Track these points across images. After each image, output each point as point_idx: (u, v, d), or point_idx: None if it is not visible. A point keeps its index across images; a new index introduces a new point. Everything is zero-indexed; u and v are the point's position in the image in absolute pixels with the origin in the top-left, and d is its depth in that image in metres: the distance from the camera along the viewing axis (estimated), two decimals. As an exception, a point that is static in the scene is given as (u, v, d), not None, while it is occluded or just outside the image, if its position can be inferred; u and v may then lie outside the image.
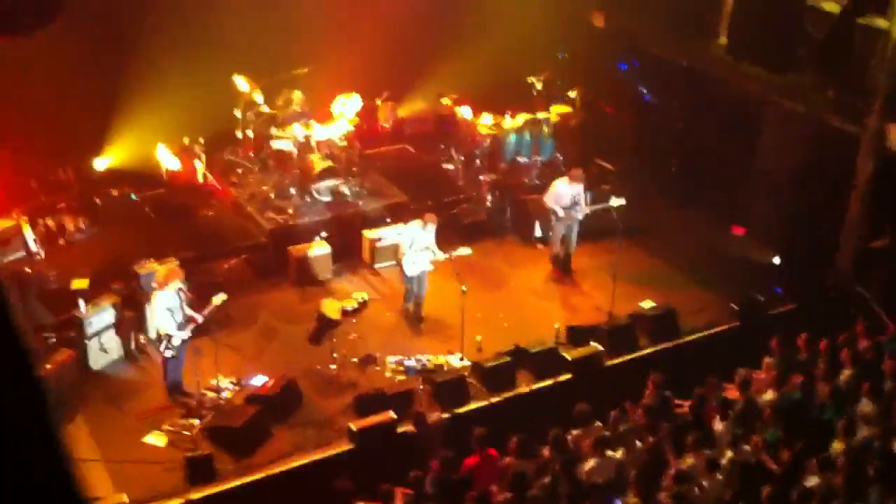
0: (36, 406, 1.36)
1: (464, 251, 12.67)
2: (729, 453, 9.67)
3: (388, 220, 14.78)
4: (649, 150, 17.31)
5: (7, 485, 1.28)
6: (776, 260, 14.88)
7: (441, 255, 12.64)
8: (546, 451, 10.01)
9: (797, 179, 14.94)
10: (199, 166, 15.43)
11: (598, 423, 10.45)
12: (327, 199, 14.85)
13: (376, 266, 14.38)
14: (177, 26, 15.00)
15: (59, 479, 1.36)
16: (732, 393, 10.95)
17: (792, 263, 14.54)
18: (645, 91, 17.79)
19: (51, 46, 13.03)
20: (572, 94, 17.48)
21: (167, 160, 15.23)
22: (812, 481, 9.18)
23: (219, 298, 11.19)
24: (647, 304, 13.41)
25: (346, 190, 14.95)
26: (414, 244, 12.63)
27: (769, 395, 10.82)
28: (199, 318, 11.08)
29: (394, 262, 14.41)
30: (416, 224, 12.85)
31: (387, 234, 14.40)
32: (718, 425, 10.34)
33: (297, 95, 15.53)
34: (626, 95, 18.00)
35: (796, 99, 14.54)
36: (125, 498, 9.54)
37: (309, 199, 14.83)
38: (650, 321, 13.01)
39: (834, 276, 14.19)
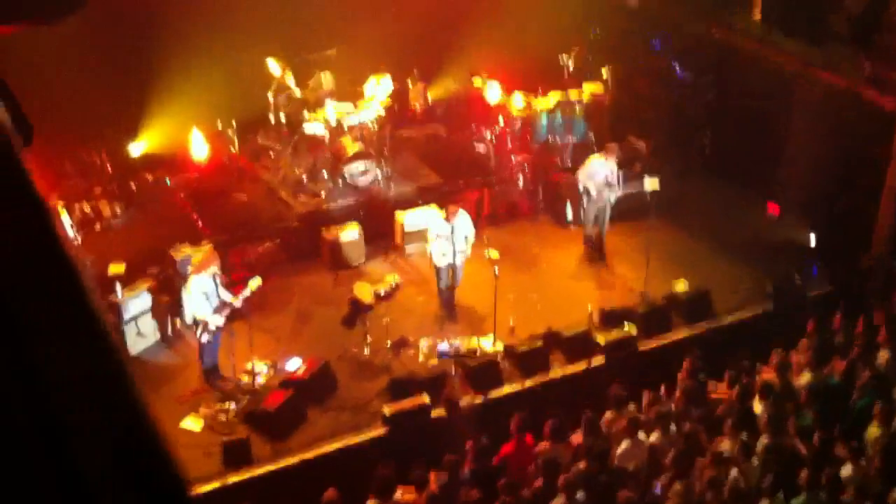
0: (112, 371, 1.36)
1: (492, 254, 12.27)
2: (764, 438, 9.61)
3: (421, 202, 14.78)
4: (683, 127, 17.12)
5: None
6: (812, 239, 14.69)
7: (468, 250, 12.55)
8: (579, 436, 10.02)
9: (833, 155, 14.73)
10: (233, 150, 15.50)
11: (632, 406, 10.44)
12: (360, 181, 14.86)
13: (408, 248, 14.40)
14: (209, 10, 15.04)
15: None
16: (768, 375, 10.87)
17: (828, 242, 14.36)
18: (678, 67, 17.58)
19: (85, 31, 13.09)
20: (605, 72, 17.30)
21: (201, 145, 15.31)
22: (847, 469, 9.11)
23: (254, 283, 11.27)
24: (681, 285, 13.29)
25: (377, 173, 14.94)
26: (441, 237, 12.45)
27: (805, 378, 10.73)
28: (237, 303, 11.14)
29: (425, 245, 14.43)
30: (440, 216, 12.71)
31: (417, 218, 14.40)
32: (756, 408, 10.28)
33: (328, 77, 15.51)
34: (659, 73, 17.80)
35: (832, 72, 14.31)
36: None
37: (341, 183, 14.85)
38: (684, 303, 12.94)
39: (871, 255, 14.00)
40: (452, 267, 12.62)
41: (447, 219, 12.43)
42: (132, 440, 1.32)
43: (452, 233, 12.36)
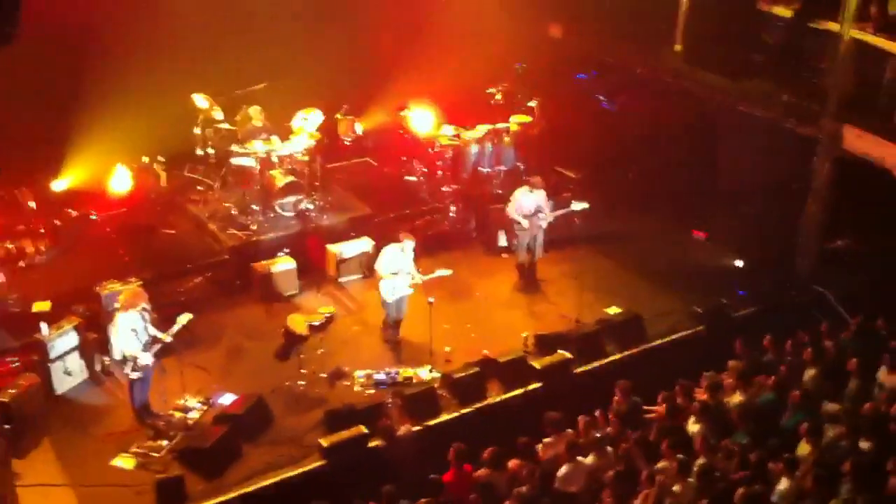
0: None
1: (443, 272, 12.56)
2: (700, 459, 9.73)
3: (353, 233, 14.76)
4: (609, 157, 17.44)
5: None
6: (739, 263, 15.06)
7: (420, 279, 12.49)
8: (515, 462, 10.03)
9: (756, 183, 15.16)
10: (159, 184, 15.31)
11: (570, 431, 10.50)
12: (290, 214, 14.79)
13: (341, 280, 14.35)
14: (134, 46, 14.93)
15: None
16: (700, 396, 11.03)
17: (754, 266, 14.72)
18: (603, 99, 17.94)
19: (5, 69, 12.85)
20: (532, 103, 17.57)
21: (126, 180, 15.08)
22: (783, 484, 9.26)
23: (184, 318, 11.09)
24: (613, 311, 13.49)
25: (308, 205, 14.89)
26: (394, 268, 12.39)
27: (737, 398, 10.92)
28: (167, 338, 10.96)
29: (359, 276, 14.41)
30: (392, 247, 12.53)
31: (350, 248, 14.39)
32: (692, 428, 10.42)
33: (256, 111, 15.46)
34: (585, 104, 18.14)
35: (753, 104, 14.75)
36: (95, 523, 9.40)
37: (272, 215, 14.76)
38: (617, 327, 13.10)
39: (795, 277, 14.40)
40: (401, 300, 12.59)
41: (402, 248, 12.38)
42: None
43: (406, 264, 12.39)
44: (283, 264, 13.91)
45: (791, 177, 14.60)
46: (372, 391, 11.90)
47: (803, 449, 9.91)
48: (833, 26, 13.60)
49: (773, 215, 14.83)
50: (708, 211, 16.14)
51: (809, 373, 11.35)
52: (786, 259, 14.56)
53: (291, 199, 14.76)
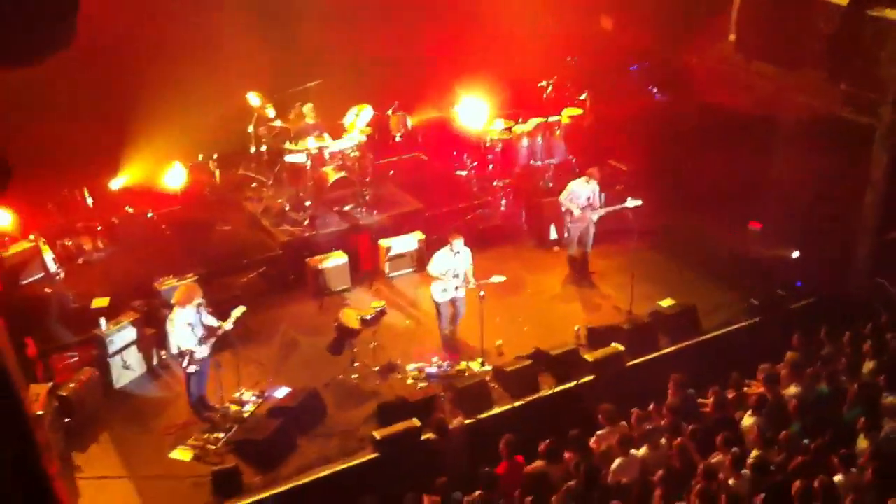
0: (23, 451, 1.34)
1: (497, 279, 12.36)
2: (755, 451, 9.61)
3: (404, 228, 14.82)
4: (661, 150, 17.27)
5: None
6: (795, 254, 14.82)
7: (474, 284, 12.18)
8: (568, 455, 10.00)
9: (812, 174, 14.89)
10: (215, 182, 15.52)
11: (623, 423, 10.44)
12: (343, 209, 14.92)
13: (391, 275, 14.43)
14: (189, 46, 15.12)
15: None
16: (756, 389, 10.90)
17: (811, 257, 14.47)
18: (655, 91, 17.77)
19: (65, 70, 13.11)
20: (583, 96, 17.47)
21: (182, 178, 15.31)
22: (839, 478, 9.11)
23: (239, 311, 11.23)
24: (667, 303, 13.36)
25: (360, 201, 15.00)
26: (443, 269, 12.17)
27: (793, 390, 10.76)
28: (226, 326, 11.05)
29: (410, 270, 14.48)
30: (443, 250, 12.27)
31: (400, 243, 14.45)
32: (747, 421, 10.29)
33: (309, 108, 15.59)
34: (637, 96, 17.99)
35: (808, 94, 14.50)
36: (153, 513, 9.58)
37: (324, 211, 14.88)
38: (670, 320, 12.98)
39: (853, 268, 14.13)
40: (454, 300, 12.45)
41: (452, 249, 12.15)
42: None
43: (461, 265, 12.21)
44: (336, 259, 14.02)
45: (848, 167, 14.32)
46: (424, 384, 11.95)
47: (861, 444, 9.75)
48: (891, 13, 13.29)
49: (830, 206, 14.56)
50: (763, 202, 15.90)
51: (868, 366, 11.15)
52: (843, 250, 14.28)
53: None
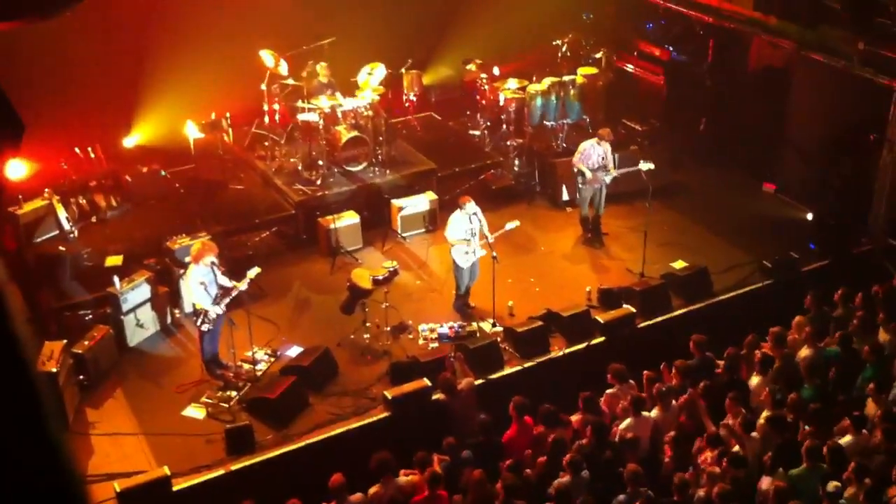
0: (31, 411, 1.33)
1: (511, 225, 12.33)
2: (765, 412, 9.63)
3: (416, 187, 14.80)
4: (677, 109, 17.14)
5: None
6: (809, 216, 14.74)
7: (491, 237, 12.05)
8: (577, 416, 10.05)
9: (828, 134, 14.76)
10: (227, 140, 15.49)
11: (632, 382, 10.47)
12: (355, 168, 14.87)
13: (404, 235, 14.43)
14: (201, 4, 15.01)
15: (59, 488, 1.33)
16: (767, 350, 10.88)
17: (825, 219, 14.39)
18: (672, 50, 17.59)
19: (77, 26, 13.08)
20: (598, 55, 17.30)
21: (195, 136, 15.29)
22: (846, 440, 9.13)
23: (253, 272, 11.25)
24: (679, 264, 13.32)
25: (373, 161, 14.97)
26: (463, 234, 12.04)
27: (805, 352, 10.75)
28: (241, 286, 11.06)
29: (422, 231, 14.47)
30: (457, 214, 12.15)
31: (413, 203, 14.43)
32: (754, 381, 10.31)
33: (322, 67, 15.50)
34: (654, 55, 17.82)
35: (827, 52, 14.32)
36: (167, 470, 9.67)
37: (337, 170, 14.86)
38: (682, 281, 12.94)
39: (868, 230, 14.05)
40: (474, 265, 12.34)
41: (466, 212, 12.03)
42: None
43: (476, 227, 12.11)
44: (348, 219, 14.02)
45: (865, 127, 14.18)
46: (435, 345, 11.99)
47: (870, 407, 9.75)
48: (912, -30, 13.09)
49: (845, 167, 14.45)
50: (778, 163, 15.80)
51: (882, 332, 11.09)
52: (858, 212, 14.18)
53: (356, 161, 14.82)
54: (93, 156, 14.89)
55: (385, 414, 10.77)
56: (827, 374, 10.40)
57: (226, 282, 11.13)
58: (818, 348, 10.69)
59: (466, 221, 12.08)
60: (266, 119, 15.85)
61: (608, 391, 10.41)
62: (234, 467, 10.09)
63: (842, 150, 14.54)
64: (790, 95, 15.52)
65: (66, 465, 1.34)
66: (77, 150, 14.82)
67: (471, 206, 12.12)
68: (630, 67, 18.06)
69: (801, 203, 15.07)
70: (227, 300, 11.11)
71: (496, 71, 16.60)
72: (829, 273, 13.23)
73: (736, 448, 9.15)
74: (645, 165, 13.44)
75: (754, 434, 9.35)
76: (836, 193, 14.44)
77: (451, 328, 12.18)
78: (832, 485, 8.33)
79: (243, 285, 11.09)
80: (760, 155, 15.91)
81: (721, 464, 8.89)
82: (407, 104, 17.26)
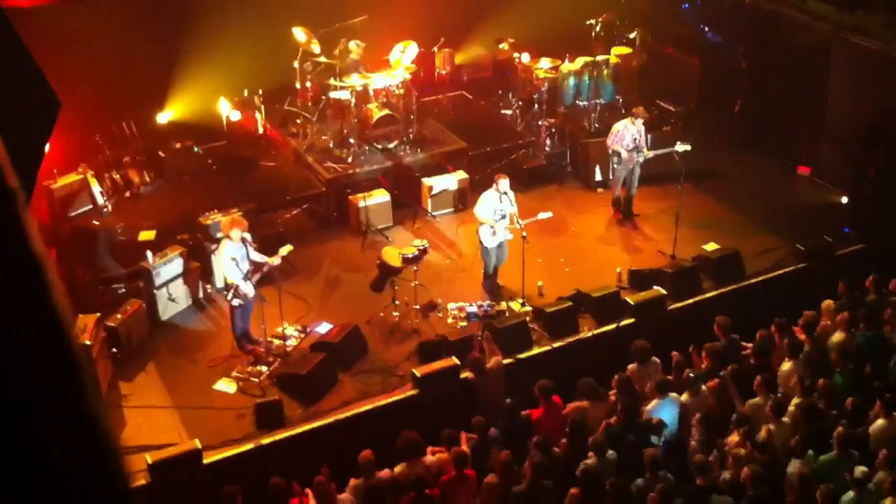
0: (71, 383, 1.34)
1: (544, 215, 12.26)
2: (796, 398, 9.57)
3: (448, 167, 14.78)
4: (712, 91, 16.96)
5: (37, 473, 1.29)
6: (844, 199, 14.58)
7: (520, 224, 11.96)
8: (612, 395, 10.05)
9: (865, 117, 14.55)
10: (259, 118, 15.55)
11: (656, 359, 10.44)
12: (387, 147, 14.88)
13: (434, 214, 14.43)
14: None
15: (98, 464, 1.34)
16: (799, 335, 10.80)
17: (860, 203, 14.21)
18: (708, 31, 17.40)
19: (111, 6, 13.18)
20: (633, 35, 17.15)
21: (227, 113, 15.36)
22: (878, 423, 9.06)
23: (286, 249, 11.30)
24: (711, 247, 13.22)
25: (404, 139, 14.96)
26: (492, 213, 12.01)
27: (837, 338, 10.65)
28: (274, 262, 11.10)
29: (452, 210, 14.47)
30: (489, 193, 12.09)
31: (443, 182, 14.42)
32: (785, 366, 10.24)
33: (355, 44, 15.48)
34: (689, 36, 17.65)
35: (866, 36, 14.11)
36: (198, 443, 9.78)
37: (368, 148, 14.87)
38: (714, 264, 12.85)
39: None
40: (501, 245, 12.31)
41: (498, 191, 11.99)
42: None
43: (507, 207, 12.06)
44: (378, 197, 14.03)
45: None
46: (464, 324, 12.01)
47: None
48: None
49: (881, 151, 14.24)
50: (814, 146, 15.61)
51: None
52: (893, 197, 13.99)
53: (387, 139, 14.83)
54: (127, 132, 14.99)
55: (413, 392, 10.81)
56: (860, 360, 10.30)
57: (258, 258, 11.19)
58: (851, 333, 10.59)
59: (497, 201, 12.05)
60: (298, 97, 15.86)
61: (629, 366, 10.40)
62: (264, 441, 10.19)
63: (878, 135, 14.33)
64: (827, 79, 15.31)
65: (104, 437, 1.36)
66: (112, 125, 14.93)
67: (504, 184, 12.06)
68: (665, 48, 17.88)
69: (835, 186, 14.89)
70: (258, 276, 11.17)
71: (525, 58, 16.46)
72: (863, 257, 13.07)
73: (762, 433, 9.10)
74: (681, 147, 13.31)
75: (785, 419, 9.30)
76: (870, 179, 14.24)
77: (480, 307, 12.20)
78: (859, 470, 8.29)
79: (276, 261, 11.15)
80: (795, 138, 15.72)
81: (746, 445, 8.87)
82: (438, 82, 17.21)
